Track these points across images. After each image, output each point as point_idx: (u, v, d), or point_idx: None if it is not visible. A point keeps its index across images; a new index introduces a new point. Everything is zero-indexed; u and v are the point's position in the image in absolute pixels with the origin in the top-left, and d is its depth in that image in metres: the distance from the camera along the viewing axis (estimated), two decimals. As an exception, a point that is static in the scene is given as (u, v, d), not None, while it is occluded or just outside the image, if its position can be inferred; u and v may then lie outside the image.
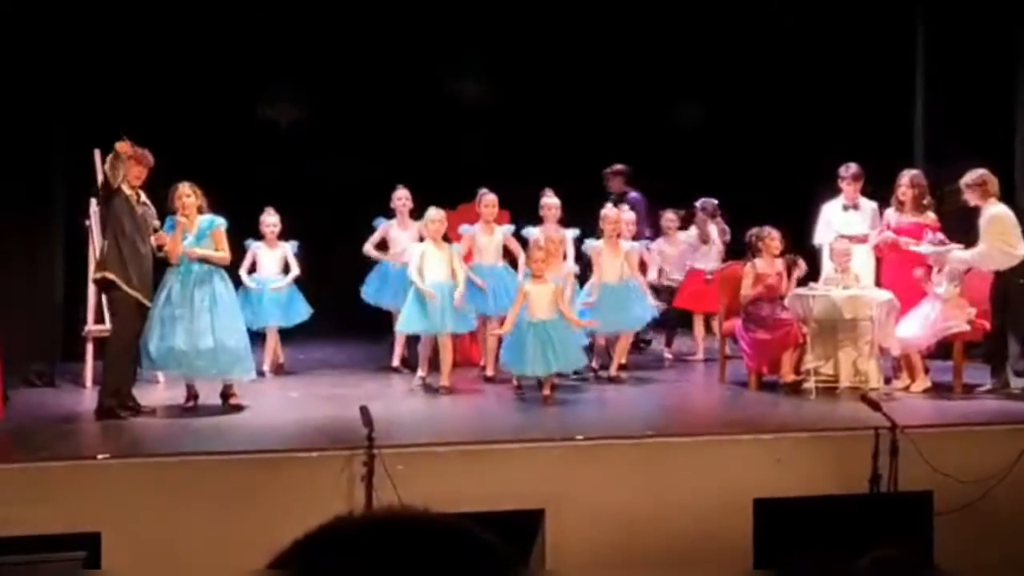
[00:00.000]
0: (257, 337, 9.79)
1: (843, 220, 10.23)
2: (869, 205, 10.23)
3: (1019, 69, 10.44)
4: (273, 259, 10.32)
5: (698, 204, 11.57)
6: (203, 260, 8.58)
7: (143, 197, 8.52)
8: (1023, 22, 10.23)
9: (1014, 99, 10.51)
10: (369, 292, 10.63)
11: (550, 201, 10.26)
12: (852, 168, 10.24)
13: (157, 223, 8.57)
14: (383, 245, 10.56)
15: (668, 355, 11.34)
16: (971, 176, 9.34)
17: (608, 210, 10.28)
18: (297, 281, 10.36)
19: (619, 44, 12.67)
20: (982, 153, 10.53)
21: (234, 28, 11.66)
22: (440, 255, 9.55)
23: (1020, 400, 9.07)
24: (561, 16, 12.37)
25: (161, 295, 8.49)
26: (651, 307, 10.34)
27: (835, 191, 10.40)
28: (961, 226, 9.82)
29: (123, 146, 8.21)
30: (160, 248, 8.53)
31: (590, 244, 10.10)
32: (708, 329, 11.21)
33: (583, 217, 10.41)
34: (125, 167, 8.24)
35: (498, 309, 9.84)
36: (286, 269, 10.35)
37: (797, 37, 12.41)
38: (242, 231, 9.91)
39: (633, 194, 11.67)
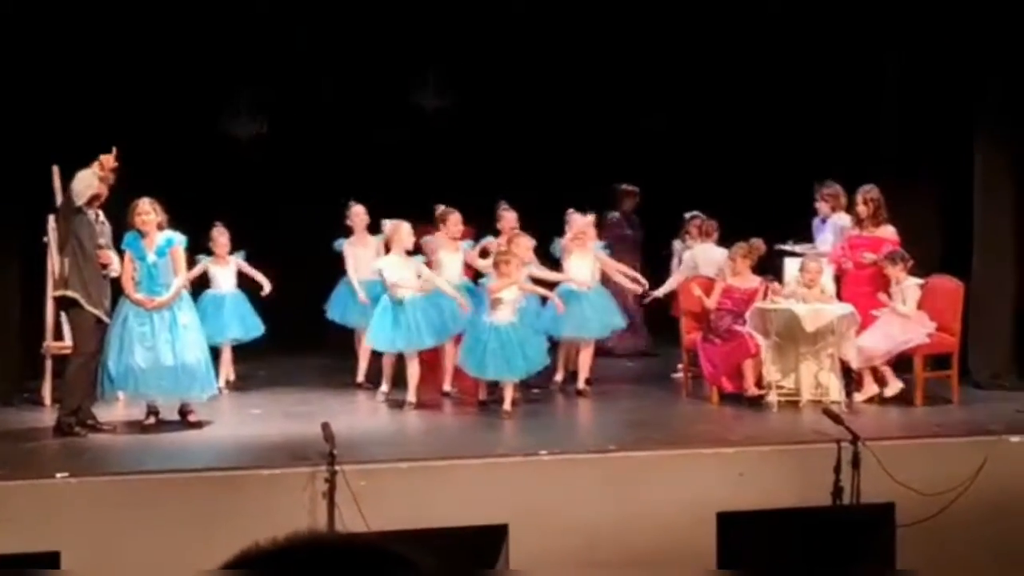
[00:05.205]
0: (214, 353, 9.70)
1: (820, 236, 10.38)
2: (832, 221, 10.25)
3: (977, 98, 10.52)
4: (228, 274, 10.27)
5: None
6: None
7: (101, 216, 8.44)
8: (983, 45, 10.31)
9: (973, 120, 10.58)
10: (335, 312, 10.55)
11: (508, 214, 10.39)
12: (821, 185, 10.33)
13: (102, 240, 8.40)
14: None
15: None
16: None
17: (574, 215, 10.29)
18: (255, 296, 10.29)
19: (580, 58, 12.68)
20: (944, 171, 10.66)
21: (195, 42, 11.59)
22: (407, 267, 9.50)
23: (981, 412, 9.15)
24: (522, 30, 12.37)
25: (119, 315, 8.40)
26: (620, 316, 10.34)
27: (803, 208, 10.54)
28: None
29: (108, 159, 8.10)
30: (105, 267, 8.41)
31: (559, 244, 10.13)
32: None
33: (545, 229, 10.41)
34: (97, 186, 8.16)
35: (460, 327, 9.69)
36: (239, 282, 10.30)
37: (766, 54, 12.43)
38: (201, 247, 9.90)
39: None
